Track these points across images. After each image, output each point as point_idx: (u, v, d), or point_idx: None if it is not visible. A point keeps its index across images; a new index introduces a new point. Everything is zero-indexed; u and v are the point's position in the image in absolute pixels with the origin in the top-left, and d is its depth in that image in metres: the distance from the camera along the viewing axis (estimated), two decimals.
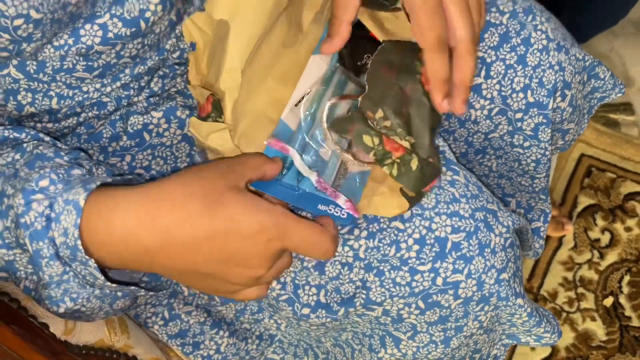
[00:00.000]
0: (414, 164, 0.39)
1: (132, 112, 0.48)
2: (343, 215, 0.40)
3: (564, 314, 0.94)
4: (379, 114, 0.39)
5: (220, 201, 0.34)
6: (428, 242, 0.42)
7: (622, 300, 0.94)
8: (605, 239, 0.98)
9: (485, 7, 0.40)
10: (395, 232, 0.43)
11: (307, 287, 0.46)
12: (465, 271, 0.42)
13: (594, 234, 0.99)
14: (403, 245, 0.42)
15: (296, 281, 0.46)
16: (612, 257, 0.97)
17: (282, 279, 0.46)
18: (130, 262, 0.37)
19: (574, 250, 0.98)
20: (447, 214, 0.43)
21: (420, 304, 0.43)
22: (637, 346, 0.91)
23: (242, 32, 0.43)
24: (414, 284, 0.42)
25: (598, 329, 0.93)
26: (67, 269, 0.36)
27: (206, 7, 0.45)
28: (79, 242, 0.34)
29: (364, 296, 0.44)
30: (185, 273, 0.38)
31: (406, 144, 0.39)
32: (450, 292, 0.43)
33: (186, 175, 0.36)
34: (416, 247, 0.42)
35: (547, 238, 0.99)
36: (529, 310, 0.45)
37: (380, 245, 0.43)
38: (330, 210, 0.39)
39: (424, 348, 0.46)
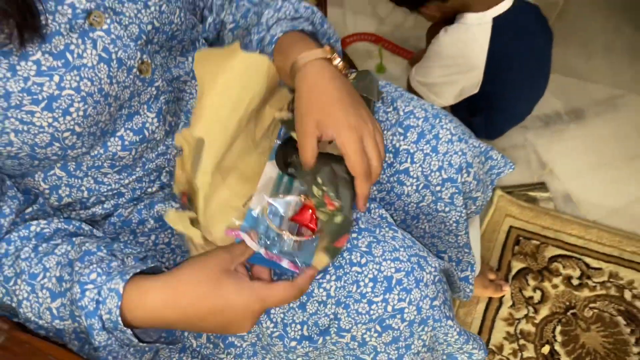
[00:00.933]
0: (338, 219, 0.57)
1: (155, 201, 0.65)
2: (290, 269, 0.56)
3: None
4: (321, 178, 0.57)
5: (218, 284, 0.51)
6: (379, 280, 0.58)
7: (557, 347, 1.09)
8: (537, 296, 1.15)
9: (383, 144, 0.59)
10: (356, 274, 0.59)
11: (293, 325, 0.61)
12: (407, 300, 0.58)
13: (528, 292, 1.16)
14: (362, 283, 0.59)
15: (285, 320, 0.61)
16: (544, 311, 1.13)
17: (274, 319, 0.61)
18: (156, 326, 0.52)
19: (513, 308, 1.14)
20: (391, 259, 0.59)
21: (378, 327, 0.58)
22: None
23: (213, 146, 0.61)
24: (371, 312, 0.58)
25: None
26: (111, 336, 0.50)
27: (190, 126, 0.64)
28: (119, 318, 0.49)
29: (336, 325, 0.59)
30: (196, 331, 0.53)
31: (337, 204, 0.57)
32: (398, 316, 0.58)
33: (193, 265, 0.52)
34: (371, 284, 0.58)
35: (490, 299, 1.15)
36: (458, 329, 0.61)
37: (345, 284, 0.59)
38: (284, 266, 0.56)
39: None
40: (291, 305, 0.61)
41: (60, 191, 0.62)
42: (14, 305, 0.54)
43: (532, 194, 1.29)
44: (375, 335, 0.59)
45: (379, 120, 0.71)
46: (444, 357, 0.65)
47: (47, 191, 0.61)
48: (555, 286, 1.16)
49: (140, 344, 0.50)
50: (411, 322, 0.59)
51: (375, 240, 0.61)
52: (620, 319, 1.11)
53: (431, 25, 1.40)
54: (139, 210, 0.65)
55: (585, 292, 1.15)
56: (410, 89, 1.33)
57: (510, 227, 1.25)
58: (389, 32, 1.62)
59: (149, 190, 0.66)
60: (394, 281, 0.58)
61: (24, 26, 0.49)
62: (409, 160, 0.69)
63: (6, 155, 0.55)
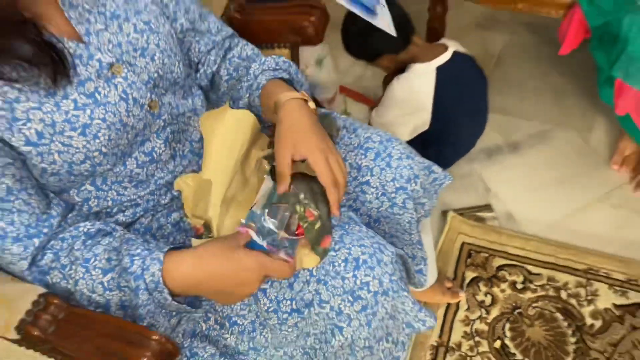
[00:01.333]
0: (317, 226, 0.75)
1: (171, 211, 0.82)
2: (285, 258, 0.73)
3: (469, 358, 1.25)
4: (302, 195, 0.75)
5: (233, 253, 0.69)
6: (349, 260, 0.76)
7: (507, 341, 1.27)
8: (488, 299, 1.34)
9: (343, 164, 0.77)
10: (331, 257, 0.77)
11: (284, 301, 0.77)
12: (372, 275, 0.76)
13: (480, 297, 1.34)
14: (336, 264, 0.76)
15: (277, 298, 0.77)
16: (495, 312, 1.31)
17: (269, 297, 0.77)
18: (187, 288, 0.69)
19: (468, 311, 1.32)
20: (358, 245, 0.77)
21: (350, 298, 0.76)
22: None
23: (218, 185, 0.79)
24: (345, 285, 0.75)
25: None
26: (150, 297, 0.67)
27: (201, 171, 0.81)
28: (160, 279, 0.66)
29: (318, 299, 0.76)
30: (217, 292, 0.70)
31: (316, 214, 0.76)
32: (365, 288, 0.76)
33: (214, 243, 0.70)
34: (343, 264, 0.76)
35: (448, 304, 1.33)
36: (412, 300, 0.79)
37: (323, 265, 0.76)
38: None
39: (357, 330, 0.77)
40: (282, 285, 0.78)
41: (90, 202, 0.79)
42: (69, 287, 0.70)
43: (479, 214, 1.50)
44: (349, 304, 0.76)
45: (344, 144, 0.91)
46: (404, 325, 0.82)
47: (80, 203, 0.78)
48: (503, 290, 1.35)
49: (174, 303, 0.67)
50: (375, 293, 0.76)
51: (345, 232, 0.79)
52: (558, 315, 1.30)
53: (386, 75, 1.64)
54: (157, 218, 0.82)
55: (528, 294, 1.34)
56: None
57: (463, 243, 1.44)
58: (351, 82, 1.86)
59: (162, 201, 0.84)
60: (360, 261, 0.76)
61: (57, 73, 0.67)
62: (369, 174, 0.89)
63: (50, 172, 0.72)
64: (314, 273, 0.77)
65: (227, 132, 0.79)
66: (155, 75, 0.78)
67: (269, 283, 0.78)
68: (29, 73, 0.67)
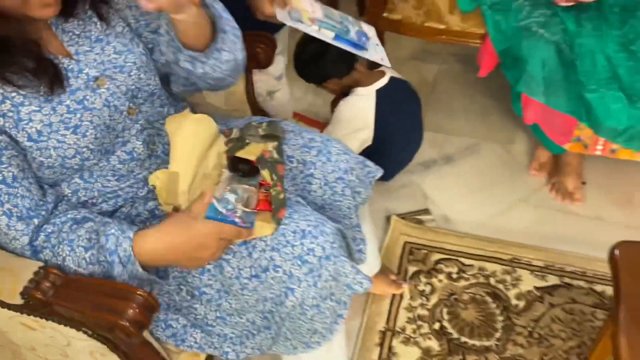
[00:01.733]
0: (281, 196, 0.93)
1: (148, 200, 0.98)
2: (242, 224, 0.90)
3: (412, 339, 1.41)
4: (274, 175, 0.93)
5: (192, 222, 0.85)
6: (297, 231, 0.93)
7: (445, 323, 1.44)
8: (428, 289, 1.52)
9: None
10: (282, 229, 0.93)
11: (244, 268, 0.93)
12: (316, 242, 0.93)
13: (421, 287, 1.52)
14: (287, 234, 0.93)
15: (239, 266, 0.93)
16: (434, 299, 1.49)
17: (232, 265, 0.93)
18: (156, 258, 0.84)
19: (411, 300, 1.49)
20: (304, 220, 0.94)
21: (299, 262, 0.92)
22: (458, 350, 1.39)
23: (183, 176, 0.95)
24: (294, 251, 0.92)
25: (434, 344, 1.41)
26: (124, 269, 0.82)
27: (169, 166, 0.97)
28: (131, 253, 0.82)
29: (273, 264, 0.92)
30: (181, 259, 0.86)
31: (282, 188, 0.93)
32: (311, 253, 0.92)
33: (176, 216, 0.87)
34: (292, 234, 0.93)
35: (394, 295, 1.50)
36: (351, 264, 0.96)
37: (276, 236, 0.93)
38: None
39: (306, 291, 0.93)
40: (242, 255, 0.94)
41: (79, 193, 0.94)
42: (59, 262, 0.85)
43: (419, 217, 1.70)
44: (298, 268, 0.92)
45: (292, 144, 1.09)
46: (345, 287, 0.98)
47: (70, 194, 0.93)
48: (440, 281, 1.53)
49: (145, 273, 0.82)
50: (320, 257, 0.93)
51: (294, 211, 0.96)
52: (488, 298, 1.49)
53: (333, 99, 1.85)
54: (135, 207, 0.98)
55: (462, 283, 1.52)
56: None
57: (405, 242, 1.63)
58: (304, 109, 2.06)
59: (139, 193, 1.00)
60: (306, 232, 0.93)
61: (53, 83, 0.84)
62: (313, 167, 1.07)
63: (46, 165, 0.88)
64: (269, 243, 0.93)
65: (188, 132, 0.96)
66: (133, 87, 0.95)
67: (232, 254, 0.94)
68: (32, 82, 0.83)
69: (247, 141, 0.96)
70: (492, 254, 1.58)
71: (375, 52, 1.20)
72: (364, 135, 1.68)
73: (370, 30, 1.21)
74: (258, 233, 0.92)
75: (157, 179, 0.96)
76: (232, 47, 0.99)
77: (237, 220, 0.88)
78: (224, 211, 0.88)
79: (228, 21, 0.99)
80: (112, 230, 0.84)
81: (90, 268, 0.84)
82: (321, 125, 1.97)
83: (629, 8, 1.37)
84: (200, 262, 0.88)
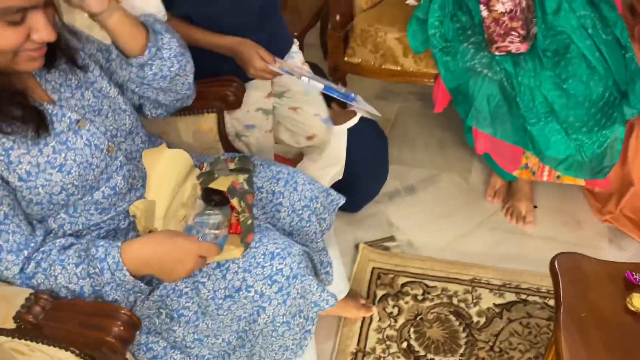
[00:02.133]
0: (249, 222, 1.03)
1: (129, 231, 1.07)
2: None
3: (382, 359, 1.50)
4: (242, 202, 1.03)
5: (174, 236, 0.95)
6: (267, 253, 1.03)
7: (412, 342, 1.53)
8: (395, 311, 1.61)
9: None
10: (253, 252, 1.03)
11: (219, 290, 1.02)
12: (284, 263, 1.02)
13: (389, 309, 1.61)
14: (257, 256, 1.02)
15: (214, 287, 1.02)
16: (401, 320, 1.59)
17: (207, 287, 1.02)
18: (141, 266, 0.93)
19: (380, 322, 1.58)
20: (273, 243, 1.04)
21: (269, 281, 1.01)
22: None
23: (160, 203, 1.05)
24: (264, 272, 1.01)
25: None
26: (113, 276, 0.91)
27: (146, 195, 1.07)
28: (120, 260, 0.90)
29: (245, 284, 1.01)
30: (161, 269, 0.95)
31: (250, 214, 1.03)
32: (280, 273, 1.02)
33: (160, 231, 0.96)
34: (262, 256, 1.02)
35: (364, 318, 1.59)
36: (317, 283, 1.05)
37: (247, 258, 1.02)
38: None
39: (276, 308, 1.02)
40: (217, 277, 1.03)
41: (64, 227, 1.02)
42: (51, 283, 0.92)
43: (385, 244, 1.80)
44: (268, 287, 1.01)
45: (261, 177, 1.20)
46: (312, 304, 1.08)
47: (56, 228, 1.02)
48: (407, 302, 1.63)
49: (132, 278, 0.90)
50: (288, 277, 1.02)
51: (264, 236, 1.06)
52: (451, 317, 1.59)
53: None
54: (117, 238, 1.07)
55: (427, 303, 1.62)
56: None
57: (373, 268, 1.73)
58: (278, 148, 2.17)
59: (121, 225, 1.08)
60: (275, 253, 1.03)
61: (39, 128, 0.94)
62: (281, 197, 1.18)
63: (35, 202, 0.97)
64: (241, 265, 1.03)
65: (165, 164, 1.06)
66: (111, 127, 1.05)
67: (207, 277, 1.03)
68: (20, 128, 0.93)
69: (215, 175, 1.06)
70: (454, 275, 1.69)
71: (364, 104, 1.34)
72: (335, 170, 1.80)
73: (354, 92, 1.36)
74: (228, 255, 1.01)
75: (137, 208, 1.05)
76: (170, 44, 1.09)
77: (209, 241, 0.98)
78: (198, 235, 0.98)
79: (161, 25, 1.11)
80: (101, 242, 0.93)
81: (80, 283, 0.92)
82: (292, 162, 2.09)
83: (560, 52, 1.54)
84: (178, 275, 0.96)
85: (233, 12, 1.39)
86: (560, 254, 1.17)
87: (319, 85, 1.30)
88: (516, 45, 1.54)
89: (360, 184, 1.84)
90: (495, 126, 1.59)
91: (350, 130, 1.78)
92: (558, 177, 1.71)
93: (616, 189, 1.73)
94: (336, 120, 1.80)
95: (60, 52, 1.00)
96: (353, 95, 1.35)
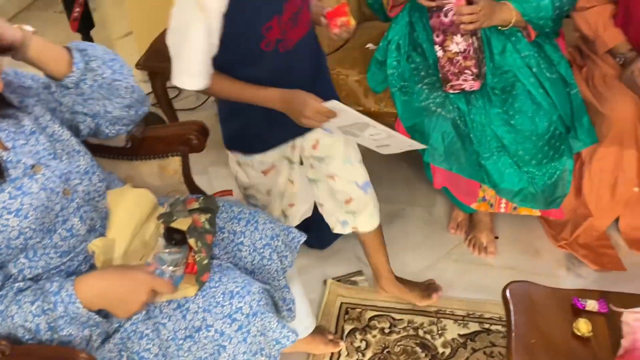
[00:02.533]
0: (205, 261, 1.06)
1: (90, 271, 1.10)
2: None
3: None
4: (199, 242, 1.07)
5: (129, 269, 0.99)
6: (226, 292, 1.06)
7: None
8: (363, 345, 1.64)
9: None
10: (213, 291, 1.06)
11: (179, 330, 1.05)
12: (244, 301, 1.06)
13: (357, 343, 1.64)
14: (216, 295, 1.06)
15: (174, 328, 1.05)
16: (369, 353, 1.61)
17: (168, 328, 1.04)
18: (94, 298, 0.96)
19: (348, 357, 1.61)
20: (233, 281, 1.08)
21: (229, 320, 1.04)
22: None
23: (120, 242, 1.08)
24: (224, 310, 1.04)
25: None
26: (66, 309, 0.93)
27: (106, 233, 1.11)
28: (73, 293, 0.93)
29: (205, 324, 1.04)
30: (115, 301, 0.98)
31: (206, 254, 1.07)
32: (240, 311, 1.05)
33: (112, 266, 1.00)
34: (222, 295, 1.06)
35: (332, 353, 1.61)
36: (277, 320, 1.09)
37: (207, 298, 1.05)
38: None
39: (237, 347, 1.05)
40: (177, 318, 1.05)
41: (24, 272, 1.05)
42: (8, 324, 0.94)
43: (353, 279, 1.84)
44: (228, 325, 1.04)
45: (223, 217, 1.24)
46: (273, 342, 1.10)
47: (16, 273, 1.04)
48: (374, 336, 1.66)
49: (85, 310, 0.93)
50: (247, 315, 1.06)
51: (223, 275, 1.10)
52: (417, 349, 1.62)
53: None
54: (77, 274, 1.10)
55: (394, 336, 1.65)
56: None
57: (341, 302, 1.76)
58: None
59: (82, 268, 1.11)
60: (234, 292, 1.06)
61: None
62: (242, 236, 1.22)
63: None
64: (201, 305, 1.06)
65: (128, 203, 1.09)
66: (66, 170, 1.09)
67: (167, 318, 1.06)
68: None
69: (174, 217, 1.10)
70: (420, 308, 1.72)
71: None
72: (304, 208, 1.84)
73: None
74: (182, 294, 1.04)
75: (95, 246, 1.08)
76: (95, 54, 1.11)
77: (166, 278, 1.01)
78: (155, 271, 1.01)
79: (80, 42, 1.14)
80: (56, 277, 0.97)
81: (36, 320, 0.94)
82: None
83: (507, 89, 1.63)
84: (131, 307, 0.99)
85: (285, 76, 1.28)
86: (511, 283, 1.22)
87: (380, 128, 1.26)
88: (470, 83, 1.62)
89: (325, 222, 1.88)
90: (450, 162, 1.66)
91: None
92: (515, 208, 1.78)
93: (570, 218, 1.81)
94: None
95: (8, 101, 1.04)
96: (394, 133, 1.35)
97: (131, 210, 1.10)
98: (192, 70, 1.22)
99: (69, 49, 1.10)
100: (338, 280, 1.83)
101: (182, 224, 1.11)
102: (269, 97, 1.25)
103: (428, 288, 1.74)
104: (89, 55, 1.11)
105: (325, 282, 1.83)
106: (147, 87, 2.35)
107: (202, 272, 1.06)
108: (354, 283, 1.83)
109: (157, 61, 2.18)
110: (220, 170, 2.31)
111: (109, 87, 1.13)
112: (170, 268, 1.03)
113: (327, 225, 1.88)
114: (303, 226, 1.86)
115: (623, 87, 1.66)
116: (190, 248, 1.08)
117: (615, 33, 1.69)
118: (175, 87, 2.80)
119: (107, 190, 1.13)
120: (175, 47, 1.21)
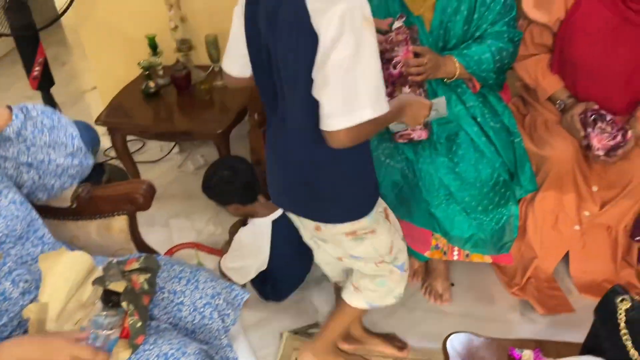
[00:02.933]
0: (139, 324, 1.06)
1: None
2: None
3: None
4: (132, 305, 1.06)
5: (49, 335, 0.99)
6: (161, 354, 1.05)
7: None
8: None
9: None
10: (147, 355, 1.05)
11: None
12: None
13: None
14: (151, 358, 1.05)
15: None
16: None
17: None
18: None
19: None
20: (168, 343, 1.07)
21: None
22: None
23: (53, 305, 1.08)
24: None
25: None
26: None
27: (39, 296, 1.10)
28: None
29: None
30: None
31: (139, 317, 1.06)
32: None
33: (31, 335, 0.99)
34: (156, 358, 1.05)
35: None
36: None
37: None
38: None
39: None
40: None
41: None
42: None
43: (310, 331, 1.83)
44: None
45: (165, 276, 1.24)
46: None
47: None
48: None
49: None
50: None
51: (159, 336, 1.09)
52: None
53: (231, 226, 2.03)
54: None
55: None
56: (222, 274, 1.87)
57: (295, 358, 1.75)
58: (205, 239, 2.22)
59: (16, 333, 1.10)
60: (169, 354, 1.06)
61: None
62: (182, 296, 1.22)
63: None
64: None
65: (62, 266, 1.09)
66: (0, 234, 1.09)
67: None
68: None
69: (106, 282, 1.10)
70: (376, 357, 1.72)
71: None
72: (260, 261, 1.85)
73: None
74: (115, 358, 1.03)
75: (30, 312, 1.07)
76: (34, 105, 1.18)
77: (97, 344, 1.00)
78: (90, 336, 1.00)
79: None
80: None
81: None
82: (220, 253, 2.13)
83: (451, 138, 1.68)
84: None
85: None
86: (452, 334, 1.23)
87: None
88: (418, 133, 1.67)
89: (284, 274, 1.89)
90: (401, 211, 1.69)
91: (275, 222, 1.85)
92: (467, 255, 1.80)
93: (519, 262, 1.84)
94: (261, 211, 1.86)
95: None
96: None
97: (66, 274, 1.10)
98: (379, 96, 1.08)
99: (9, 107, 1.15)
100: (295, 333, 1.82)
101: (118, 286, 1.11)
102: (397, 107, 1.21)
103: (393, 339, 1.75)
104: (28, 108, 1.17)
105: (281, 334, 1.82)
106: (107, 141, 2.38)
107: (136, 335, 1.05)
108: (310, 335, 1.82)
109: (116, 117, 2.21)
110: (181, 222, 2.32)
111: (50, 132, 1.18)
112: (105, 332, 1.03)
113: (283, 278, 1.89)
114: (259, 278, 1.87)
115: (563, 131, 1.74)
116: (126, 311, 1.08)
117: (554, 81, 1.77)
118: (138, 140, 2.84)
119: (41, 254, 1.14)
120: (361, 78, 1.06)
